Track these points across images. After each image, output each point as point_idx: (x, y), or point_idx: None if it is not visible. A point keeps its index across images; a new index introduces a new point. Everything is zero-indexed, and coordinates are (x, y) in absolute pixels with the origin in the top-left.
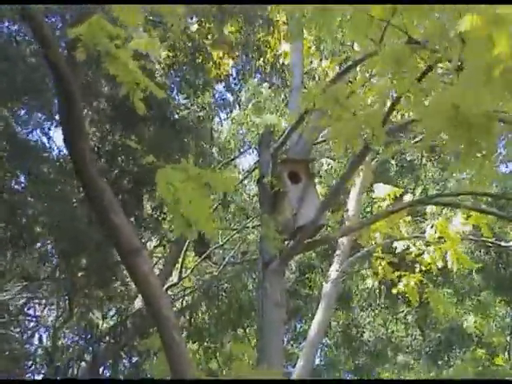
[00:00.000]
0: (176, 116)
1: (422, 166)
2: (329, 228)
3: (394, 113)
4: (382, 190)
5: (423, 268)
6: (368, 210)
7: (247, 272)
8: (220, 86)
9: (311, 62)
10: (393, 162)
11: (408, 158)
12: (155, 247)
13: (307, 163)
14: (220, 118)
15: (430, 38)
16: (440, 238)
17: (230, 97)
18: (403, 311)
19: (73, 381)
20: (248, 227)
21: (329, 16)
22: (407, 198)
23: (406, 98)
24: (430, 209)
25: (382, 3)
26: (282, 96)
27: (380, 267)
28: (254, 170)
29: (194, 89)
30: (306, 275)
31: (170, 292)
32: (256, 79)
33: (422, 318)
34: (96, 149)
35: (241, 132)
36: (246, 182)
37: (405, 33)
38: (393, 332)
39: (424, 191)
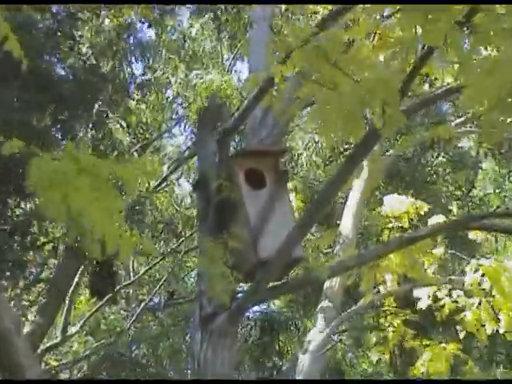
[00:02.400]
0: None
1: (463, 169)
2: (311, 262)
3: (420, 79)
4: (396, 204)
5: (462, 333)
6: (373, 234)
7: (176, 326)
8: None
9: None
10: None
11: (440, 157)
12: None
13: (277, 157)
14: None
15: None
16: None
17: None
18: None
19: (73, 381)
20: (177, 252)
21: None
22: (437, 218)
23: (440, 51)
24: (474, 236)
25: None
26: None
27: (392, 329)
28: (184, 159)
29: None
30: (273, 335)
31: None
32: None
33: None
34: None
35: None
36: (173, 179)
37: None
38: None
39: (466, 208)
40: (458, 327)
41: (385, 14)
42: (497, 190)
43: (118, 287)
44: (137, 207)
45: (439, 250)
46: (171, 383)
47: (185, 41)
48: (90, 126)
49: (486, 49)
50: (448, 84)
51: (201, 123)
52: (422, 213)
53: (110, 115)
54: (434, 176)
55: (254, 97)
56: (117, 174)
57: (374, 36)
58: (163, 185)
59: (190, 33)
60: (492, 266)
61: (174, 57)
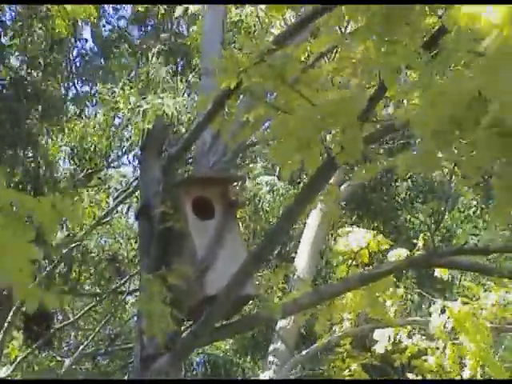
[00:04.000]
0: None
1: (433, 199)
2: (263, 299)
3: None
4: (356, 238)
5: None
6: (332, 269)
7: (116, 372)
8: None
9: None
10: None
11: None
12: None
13: (226, 185)
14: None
15: None
16: (456, 328)
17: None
18: None
19: (72, 381)
20: (120, 293)
21: None
22: (399, 251)
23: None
24: (440, 274)
25: None
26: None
27: (348, 373)
28: (127, 190)
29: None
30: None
31: None
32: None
33: None
34: None
35: (116, 123)
36: (117, 212)
37: None
38: None
39: (436, 242)
40: (419, 372)
41: (347, 32)
42: (467, 224)
43: (52, 329)
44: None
45: (402, 289)
46: (171, 383)
47: (138, 67)
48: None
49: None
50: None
51: (145, 147)
52: (385, 247)
53: (49, 140)
54: (401, 206)
55: (202, 120)
56: (36, 215)
57: (335, 56)
58: (109, 217)
59: (142, 59)
60: (459, 308)
61: (124, 81)
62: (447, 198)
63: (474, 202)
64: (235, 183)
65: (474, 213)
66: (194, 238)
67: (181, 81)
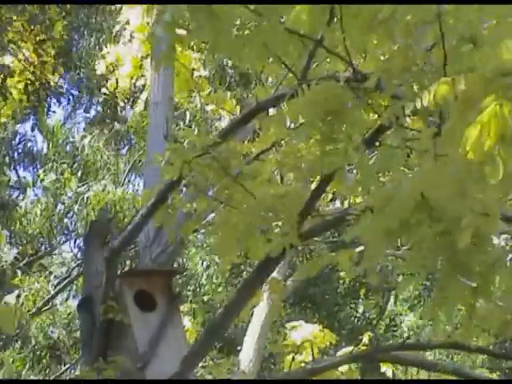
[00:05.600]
0: None
1: (371, 295)
2: None
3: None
4: (302, 332)
5: None
6: (276, 363)
7: None
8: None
9: (190, 99)
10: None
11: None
12: None
13: (169, 277)
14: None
15: (387, 72)
16: None
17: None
18: None
19: (72, 381)
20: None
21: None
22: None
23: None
24: (386, 370)
25: None
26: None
27: None
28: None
29: None
30: None
31: None
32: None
33: None
34: None
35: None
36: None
37: (346, 62)
38: None
39: (380, 336)
40: None
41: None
42: (412, 318)
43: None
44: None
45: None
46: (171, 383)
47: (80, 152)
48: None
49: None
50: (357, 203)
51: (88, 238)
52: (329, 342)
53: None
54: (345, 300)
55: (145, 212)
56: None
57: (278, 150)
58: (49, 305)
59: (83, 145)
60: None
61: (65, 167)
62: (391, 289)
63: (417, 293)
64: (178, 276)
65: (418, 303)
66: (135, 332)
67: (126, 165)
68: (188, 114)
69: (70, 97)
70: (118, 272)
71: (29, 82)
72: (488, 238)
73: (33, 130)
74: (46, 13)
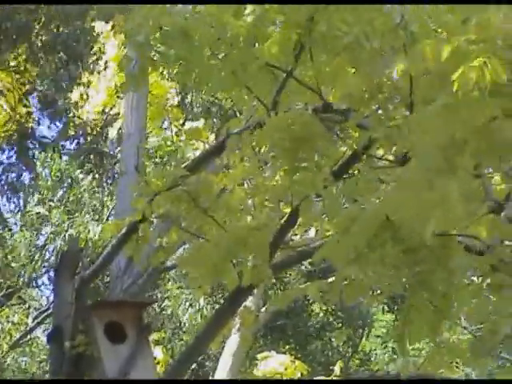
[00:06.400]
0: None
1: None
2: None
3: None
4: (274, 363)
5: None
6: None
7: None
8: None
9: (164, 127)
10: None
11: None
12: None
13: (140, 309)
14: None
15: (353, 100)
16: None
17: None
18: None
19: (72, 381)
20: None
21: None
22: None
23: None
24: None
25: None
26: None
27: None
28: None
29: None
30: None
31: None
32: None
33: None
34: None
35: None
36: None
37: (316, 93)
38: None
39: (352, 367)
40: None
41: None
42: (384, 348)
43: None
44: None
45: None
46: (171, 383)
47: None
48: None
49: (354, 201)
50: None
51: (58, 270)
52: (301, 373)
53: None
54: (317, 330)
55: (115, 244)
56: None
57: (249, 182)
58: (27, 337)
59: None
60: None
61: (48, 199)
62: (364, 321)
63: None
64: (148, 307)
65: (390, 339)
66: (105, 364)
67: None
68: (161, 144)
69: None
70: (89, 303)
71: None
72: (452, 257)
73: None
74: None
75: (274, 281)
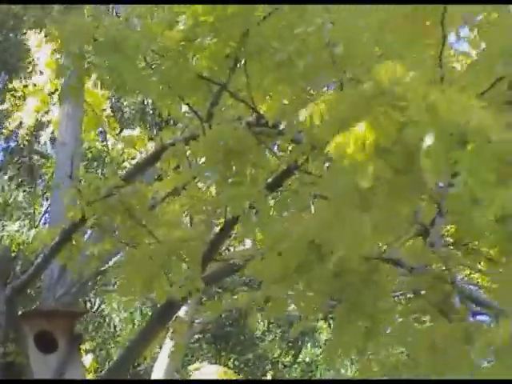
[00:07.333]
0: None
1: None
2: None
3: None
4: (206, 374)
5: None
6: None
7: None
8: None
9: (100, 136)
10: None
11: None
12: None
13: (72, 318)
14: None
15: (286, 116)
16: None
17: None
18: None
19: (72, 381)
20: None
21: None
22: None
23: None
24: None
25: None
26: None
27: None
28: None
29: None
30: None
31: None
32: None
33: None
34: None
35: None
36: None
37: (249, 106)
38: None
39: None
40: None
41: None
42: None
43: None
44: None
45: None
46: (171, 383)
47: None
48: None
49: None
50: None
51: None
52: None
53: None
54: (260, 339)
55: (48, 253)
56: None
57: (184, 193)
58: None
59: None
60: None
61: None
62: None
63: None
64: (80, 317)
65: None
66: (35, 373)
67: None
68: (95, 153)
69: None
70: (21, 310)
71: None
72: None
73: None
74: None
75: (211, 290)
